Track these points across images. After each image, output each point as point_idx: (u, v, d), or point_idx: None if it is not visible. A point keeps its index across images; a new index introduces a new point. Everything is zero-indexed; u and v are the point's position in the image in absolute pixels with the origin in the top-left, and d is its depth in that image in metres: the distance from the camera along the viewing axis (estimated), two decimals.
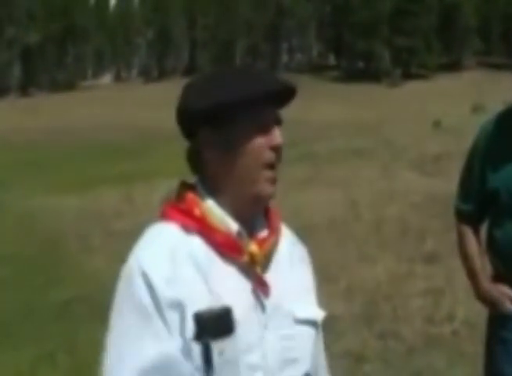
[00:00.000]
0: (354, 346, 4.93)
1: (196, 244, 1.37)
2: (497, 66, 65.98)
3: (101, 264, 7.91)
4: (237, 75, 1.42)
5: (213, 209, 1.40)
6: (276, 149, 1.41)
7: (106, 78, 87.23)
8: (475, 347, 4.12)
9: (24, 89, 76.11)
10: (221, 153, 1.40)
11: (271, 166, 1.41)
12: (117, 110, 51.27)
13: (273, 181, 1.42)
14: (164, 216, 1.41)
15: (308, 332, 1.48)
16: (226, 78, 1.42)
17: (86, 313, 6.07)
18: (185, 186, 1.44)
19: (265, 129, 1.40)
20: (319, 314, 1.52)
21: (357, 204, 11.00)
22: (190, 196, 1.41)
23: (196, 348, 1.28)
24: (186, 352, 1.30)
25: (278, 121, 1.43)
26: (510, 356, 2.53)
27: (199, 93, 1.40)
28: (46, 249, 9.10)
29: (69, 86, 75.27)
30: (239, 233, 1.38)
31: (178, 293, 1.31)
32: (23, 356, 5.13)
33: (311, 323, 1.48)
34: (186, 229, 1.38)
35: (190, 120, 1.43)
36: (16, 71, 80.00)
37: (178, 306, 1.30)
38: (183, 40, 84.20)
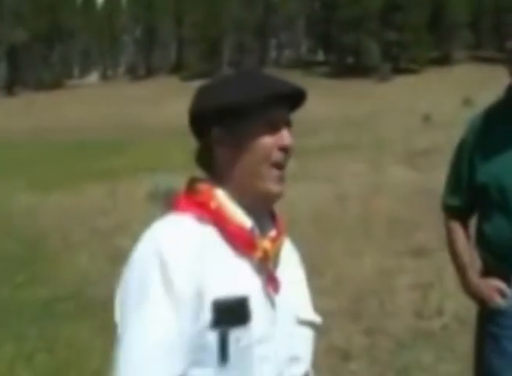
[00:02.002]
0: (339, 343, 4.82)
1: (211, 235, 1.39)
2: (488, 60, 66.02)
3: (84, 262, 7.77)
4: (249, 78, 1.50)
5: (227, 203, 1.43)
6: (285, 149, 1.45)
7: (93, 77, 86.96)
8: (465, 342, 4.02)
9: (10, 88, 75.71)
10: (232, 150, 1.45)
11: (278, 165, 1.45)
12: (103, 108, 51.17)
13: (280, 180, 1.46)
14: (177, 208, 1.43)
15: (309, 333, 1.54)
16: (239, 80, 1.49)
17: (67, 312, 5.94)
18: (196, 181, 1.47)
19: (274, 129, 1.45)
20: (317, 318, 1.57)
21: (345, 198, 10.98)
22: (206, 187, 1.43)
23: (212, 337, 1.32)
24: (200, 341, 1.32)
25: (288, 123, 1.49)
26: (500, 350, 2.51)
27: (212, 94, 1.48)
28: (28, 247, 8.90)
29: (55, 85, 74.89)
30: (252, 229, 1.41)
31: (197, 283, 1.32)
32: (1, 356, 4.96)
33: (312, 325, 1.55)
34: (202, 221, 1.39)
35: (203, 119, 1.48)
36: (2, 70, 79.49)
37: (198, 296, 1.32)
38: (170, 37, 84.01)
